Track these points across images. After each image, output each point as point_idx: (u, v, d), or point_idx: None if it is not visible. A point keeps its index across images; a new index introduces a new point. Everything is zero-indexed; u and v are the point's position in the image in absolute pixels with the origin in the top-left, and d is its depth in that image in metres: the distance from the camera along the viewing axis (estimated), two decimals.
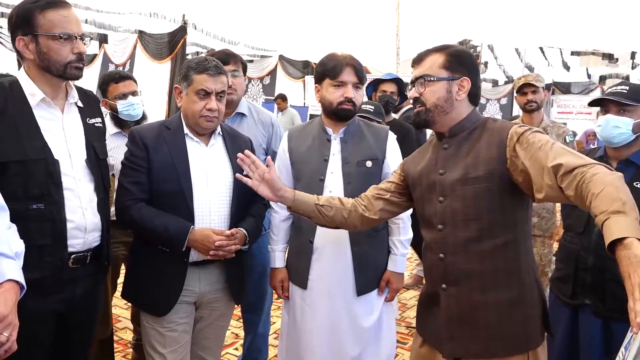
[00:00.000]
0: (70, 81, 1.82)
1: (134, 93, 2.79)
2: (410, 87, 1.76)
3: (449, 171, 1.67)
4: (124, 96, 2.75)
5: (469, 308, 1.65)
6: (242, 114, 2.63)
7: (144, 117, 2.87)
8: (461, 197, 1.63)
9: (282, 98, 10.13)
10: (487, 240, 1.61)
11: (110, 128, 2.75)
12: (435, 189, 1.70)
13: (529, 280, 1.64)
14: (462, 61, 1.68)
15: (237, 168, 2.06)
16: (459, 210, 1.64)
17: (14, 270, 1.36)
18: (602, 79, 13.13)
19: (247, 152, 1.86)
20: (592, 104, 2.26)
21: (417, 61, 1.74)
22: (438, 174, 1.70)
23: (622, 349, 1.20)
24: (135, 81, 2.87)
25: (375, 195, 1.91)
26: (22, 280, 1.36)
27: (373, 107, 3.17)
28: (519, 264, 1.63)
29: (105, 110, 2.83)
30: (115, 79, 2.80)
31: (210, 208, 2.00)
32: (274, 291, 2.38)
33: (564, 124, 4.15)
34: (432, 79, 1.68)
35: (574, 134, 3.68)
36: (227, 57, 2.51)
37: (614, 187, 1.25)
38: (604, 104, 2.15)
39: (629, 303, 1.10)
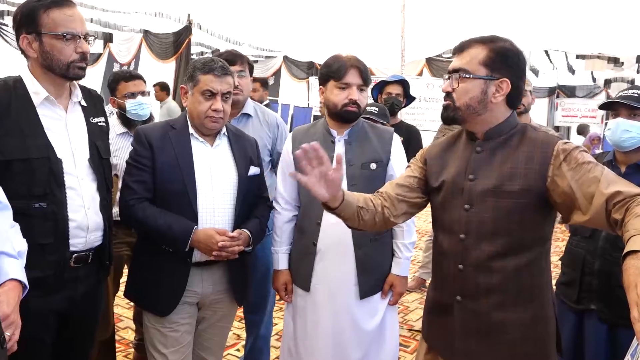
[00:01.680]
0: (74, 80, 1.82)
1: (143, 93, 2.80)
2: (446, 77, 1.60)
3: (480, 178, 1.55)
4: (133, 95, 2.75)
5: (489, 324, 1.56)
6: (248, 115, 2.62)
7: (150, 117, 2.87)
8: (492, 209, 1.53)
9: (162, 87, 8.02)
10: (512, 257, 1.52)
11: (117, 127, 2.75)
12: (461, 195, 1.58)
13: (548, 296, 1.59)
14: (506, 60, 1.52)
15: (242, 168, 2.06)
16: (487, 222, 1.53)
17: (17, 270, 1.35)
18: (607, 82, 13.08)
19: (315, 144, 1.51)
20: (603, 107, 2.25)
21: (459, 50, 1.58)
22: (467, 179, 1.57)
23: (627, 356, 1.19)
24: (144, 81, 2.89)
25: (398, 198, 1.72)
26: (24, 279, 1.36)
27: (377, 109, 3.16)
28: (542, 281, 1.56)
29: (112, 109, 2.83)
30: (125, 77, 2.81)
31: (215, 209, 1.99)
32: (276, 293, 2.37)
33: (566, 128, 4.16)
34: (468, 75, 1.52)
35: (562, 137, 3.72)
36: (234, 58, 2.51)
37: None
38: (614, 108, 2.14)
39: (633, 313, 1.09)
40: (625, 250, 1.16)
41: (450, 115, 1.58)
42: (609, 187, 1.35)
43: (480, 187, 1.55)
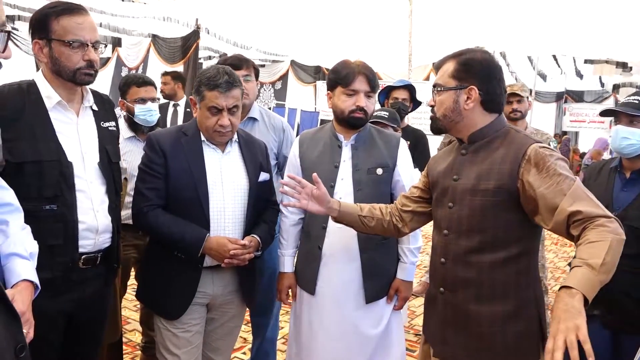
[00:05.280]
0: (82, 85, 1.85)
1: (153, 99, 2.82)
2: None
3: (462, 178, 1.68)
4: (143, 101, 2.78)
5: (463, 315, 1.66)
6: (254, 119, 2.64)
7: (158, 123, 2.90)
8: (469, 206, 1.63)
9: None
10: (487, 253, 1.60)
11: (125, 132, 2.77)
12: (447, 194, 1.71)
13: (527, 296, 1.63)
14: (471, 69, 1.65)
15: (252, 174, 2.08)
16: (464, 219, 1.64)
17: (29, 271, 1.38)
18: (616, 87, 13.02)
19: (290, 174, 1.93)
20: (604, 114, 2.27)
21: (436, 68, 1.75)
22: (452, 179, 1.70)
23: None
24: (156, 88, 2.92)
25: (403, 208, 1.91)
26: (36, 280, 1.38)
27: (387, 114, 3.16)
28: (518, 279, 1.61)
29: (119, 112, 2.86)
30: (138, 82, 2.83)
31: (225, 214, 2.01)
32: (278, 294, 2.38)
33: (574, 133, 4.22)
34: (441, 89, 1.69)
35: (567, 140, 3.80)
36: (239, 63, 2.53)
37: (606, 246, 1.31)
38: (616, 114, 2.15)
39: (548, 344, 1.22)
40: (564, 283, 1.28)
41: (435, 126, 1.76)
42: (573, 205, 1.42)
43: (461, 187, 1.66)
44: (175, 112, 4.87)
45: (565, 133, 13.93)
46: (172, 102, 4.95)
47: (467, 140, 1.70)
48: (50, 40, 1.72)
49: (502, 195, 1.57)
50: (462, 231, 1.65)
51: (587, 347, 1.21)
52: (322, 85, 11.53)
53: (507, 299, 1.61)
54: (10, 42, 1.16)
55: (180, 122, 4.71)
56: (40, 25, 1.73)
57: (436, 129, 1.78)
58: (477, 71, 1.65)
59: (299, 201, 1.90)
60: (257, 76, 2.70)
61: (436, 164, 1.83)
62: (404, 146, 2.24)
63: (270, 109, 10.61)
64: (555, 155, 1.54)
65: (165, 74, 5.31)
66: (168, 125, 4.56)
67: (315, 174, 1.90)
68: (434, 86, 1.73)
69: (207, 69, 2.04)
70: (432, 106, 1.74)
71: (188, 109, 4.80)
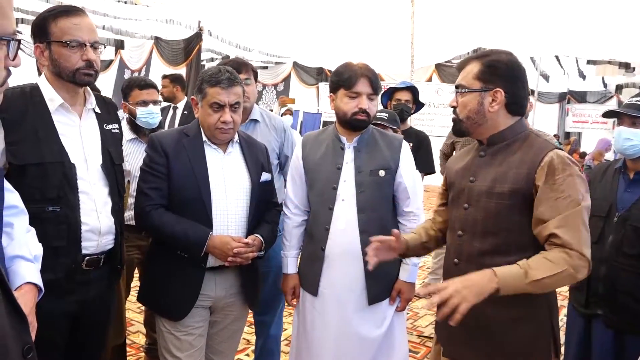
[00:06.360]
0: (87, 87, 1.86)
1: (155, 102, 2.85)
2: (453, 92, 1.76)
3: (478, 180, 1.67)
4: (144, 103, 2.81)
5: (474, 317, 1.62)
6: (255, 120, 2.66)
7: (160, 126, 2.92)
8: (484, 209, 1.62)
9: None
10: (500, 255, 1.59)
11: (127, 134, 2.79)
12: (463, 195, 1.71)
13: (539, 298, 1.61)
14: (496, 71, 1.62)
15: (254, 174, 2.09)
16: (479, 221, 1.63)
17: (33, 273, 1.38)
18: (619, 88, 12.98)
19: (377, 238, 1.78)
20: (606, 115, 2.28)
21: (459, 68, 1.73)
22: (468, 181, 1.70)
23: None
24: (158, 90, 2.94)
25: (438, 225, 1.92)
26: (40, 283, 1.39)
27: (387, 115, 3.16)
28: None
29: (122, 114, 2.88)
30: (140, 85, 2.86)
31: (228, 214, 2.02)
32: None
33: (577, 134, 4.20)
34: (465, 90, 1.66)
35: (575, 142, 3.79)
36: (239, 66, 2.54)
37: (556, 270, 1.42)
38: (618, 116, 2.17)
39: (438, 286, 1.42)
40: (496, 269, 1.44)
41: (457, 128, 1.72)
42: (559, 229, 1.46)
43: (477, 189, 1.66)
44: (174, 115, 4.87)
45: (568, 134, 13.89)
46: (171, 105, 4.97)
47: (487, 142, 1.69)
48: (50, 43, 1.74)
49: (517, 199, 1.56)
50: (476, 233, 1.65)
51: (456, 317, 1.35)
52: (324, 86, 11.52)
53: (518, 302, 1.59)
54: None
55: (177, 124, 4.71)
56: (40, 29, 1.75)
57: (459, 132, 1.75)
58: (503, 73, 1.63)
59: (380, 256, 1.80)
60: (255, 78, 2.72)
61: (453, 163, 1.83)
62: (406, 148, 2.24)
63: (272, 110, 10.62)
64: (570, 170, 1.52)
65: (164, 77, 5.31)
66: (166, 127, 4.56)
67: (396, 231, 1.79)
68: (457, 87, 1.70)
69: (208, 69, 2.07)
70: (454, 107, 1.71)
71: (186, 112, 4.82)
